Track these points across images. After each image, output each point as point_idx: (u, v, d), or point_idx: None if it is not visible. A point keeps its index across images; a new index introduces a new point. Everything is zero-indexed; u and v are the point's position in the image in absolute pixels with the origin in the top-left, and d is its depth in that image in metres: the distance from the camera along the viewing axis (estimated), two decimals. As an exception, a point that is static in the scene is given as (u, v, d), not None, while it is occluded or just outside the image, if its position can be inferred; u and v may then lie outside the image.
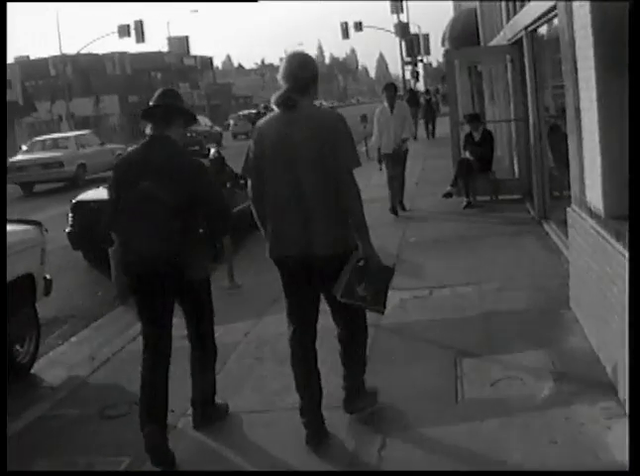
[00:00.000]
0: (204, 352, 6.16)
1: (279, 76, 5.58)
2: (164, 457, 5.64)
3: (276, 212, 5.57)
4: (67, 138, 32.71)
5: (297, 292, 5.72)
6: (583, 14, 6.50)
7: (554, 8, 8.75)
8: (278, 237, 5.58)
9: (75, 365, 8.57)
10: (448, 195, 15.35)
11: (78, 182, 28.67)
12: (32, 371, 8.47)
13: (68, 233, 13.55)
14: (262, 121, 5.75)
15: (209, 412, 6.25)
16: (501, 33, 16.27)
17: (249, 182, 5.73)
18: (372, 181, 17.38)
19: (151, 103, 5.86)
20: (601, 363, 6.36)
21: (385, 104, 15.13)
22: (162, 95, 5.90)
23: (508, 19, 14.91)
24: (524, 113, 14.30)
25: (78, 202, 13.71)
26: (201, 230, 5.93)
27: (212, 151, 15.44)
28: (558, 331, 7.39)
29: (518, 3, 13.13)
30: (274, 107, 5.58)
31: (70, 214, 13.56)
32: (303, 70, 5.55)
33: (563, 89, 8.23)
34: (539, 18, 10.57)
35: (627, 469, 4.01)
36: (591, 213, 6.84)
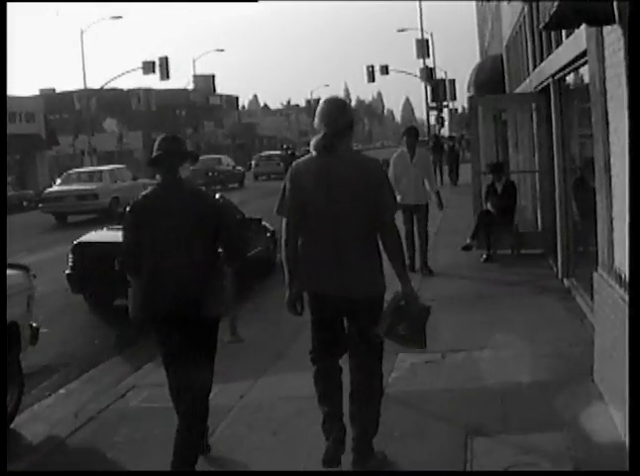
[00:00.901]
0: (194, 410, 5.97)
1: (317, 120, 5.73)
2: None
3: (313, 252, 5.70)
4: (102, 171, 33.94)
5: (323, 322, 5.82)
6: (616, 61, 5.94)
7: (584, 54, 8.16)
8: (312, 276, 5.71)
9: (58, 422, 8.03)
10: (467, 248, 14.71)
11: (112, 214, 28.58)
12: (12, 425, 7.86)
13: (68, 275, 12.95)
14: (299, 163, 5.89)
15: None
16: (527, 80, 15.75)
17: (283, 222, 5.84)
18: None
19: (154, 153, 6.07)
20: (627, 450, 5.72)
21: (405, 150, 13.91)
22: (164, 142, 6.11)
23: (535, 66, 14.36)
24: (549, 164, 13.75)
25: (80, 244, 13.13)
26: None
27: (217, 197, 14.48)
28: (580, 409, 6.69)
29: (545, 50, 12.56)
30: (312, 151, 5.71)
31: (71, 256, 12.94)
32: (342, 115, 5.70)
33: (589, 139, 7.66)
34: (567, 65, 10.01)
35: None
36: (620, 281, 6.24)
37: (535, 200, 16.36)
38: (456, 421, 6.83)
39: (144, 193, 6.21)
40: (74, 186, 32.10)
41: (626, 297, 5.83)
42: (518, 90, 17.63)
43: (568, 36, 9.52)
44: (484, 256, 14.40)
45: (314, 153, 5.72)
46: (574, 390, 7.20)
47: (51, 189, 34.05)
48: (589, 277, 7.92)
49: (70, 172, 36.07)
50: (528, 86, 15.49)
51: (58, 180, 35.80)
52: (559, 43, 11.13)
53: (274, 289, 11.71)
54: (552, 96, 11.99)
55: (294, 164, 5.93)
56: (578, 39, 8.45)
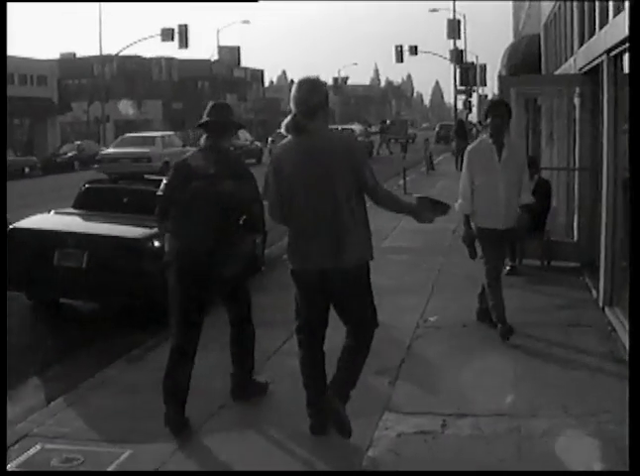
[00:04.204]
0: (243, 333, 6.96)
1: (291, 102, 5.87)
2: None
3: (303, 231, 5.87)
4: (155, 137, 36.31)
5: (311, 300, 6.01)
6: None
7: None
8: (303, 253, 5.89)
9: None
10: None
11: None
12: None
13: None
14: (278, 147, 6.11)
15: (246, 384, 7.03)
16: (570, 60, 13.36)
17: (267, 205, 6.08)
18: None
19: (205, 117, 6.62)
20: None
21: (489, 140, 8.74)
22: (216, 109, 6.68)
23: (582, 42, 11.94)
24: (592, 160, 11.35)
25: (14, 230, 10.60)
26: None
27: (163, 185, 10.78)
28: None
29: (599, 23, 10.13)
30: (284, 133, 5.91)
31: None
32: (312, 96, 5.81)
33: None
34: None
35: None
36: None
37: (570, 203, 13.81)
38: None
39: (188, 155, 6.80)
40: (129, 149, 33.92)
41: None
42: (558, 73, 15.26)
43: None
44: (508, 267, 11.91)
45: (286, 135, 5.91)
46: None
47: (107, 151, 36.71)
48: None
49: (125, 136, 38.36)
50: (570, 68, 13.16)
51: (113, 144, 38.14)
52: (619, 9, 8.75)
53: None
54: (605, 77, 9.56)
55: (274, 149, 6.35)
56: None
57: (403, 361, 7.91)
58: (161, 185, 6.72)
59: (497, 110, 8.71)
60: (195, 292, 6.46)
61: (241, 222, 6.65)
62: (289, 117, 5.85)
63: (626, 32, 7.86)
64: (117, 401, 7.17)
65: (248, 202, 6.61)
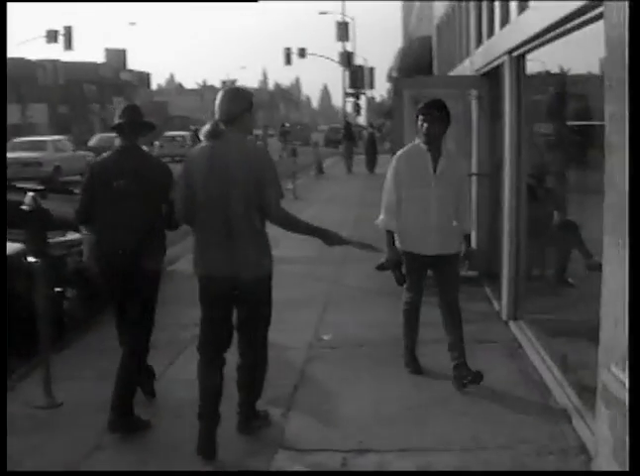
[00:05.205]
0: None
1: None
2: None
3: (205, 237, 5.90)
4: (45, 141, 35.39)
5: (213, 310, 5.97)
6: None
7: (586, 10, 5.25)
8: (205, 259, 5.91)
9: None
10: (383, 268, 11.76)
11: (54, 181, 30.35)
12: None
13: None
14: (192, 151, 6.18)
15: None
16: (465, 62, 12.98)
17: (177, 208, 6.11)
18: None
19: (118, 119, 6.69)
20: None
21: (423, 146, 7.27)
22: (128, 111, 6.78)
23: (479, 43, 11.49)
24: (491, 166, 10.90)
25: None
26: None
27: (28, 198, 7.46)
28: None
29: (500, 21, 9.65)
30: (202, 138, 5.99)
31: None
32: (233, 103, 5.91)
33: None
34: (546, 31, 7.11)
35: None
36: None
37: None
38: None
39: (104, 155, 6.83)
40: (19, 154, 32.57)
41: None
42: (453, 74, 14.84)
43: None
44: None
45: (204, 141, 5.95)
46: None
47: None
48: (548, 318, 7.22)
49: (15, 140, 36.56)
50: (465, 70, 12.75)
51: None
52: (523, 7, 8.28)
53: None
54: (507, 79, 9.07)
55: (188, 152, 6.45)
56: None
57: (297, 388, 7.19)
58: (80, 188, 6.88)
59: (429, 111, 7.18)
60: (122, 288, 6.54)
61: (159, 218, 6.62)
62: (209, 123, 5.98)
63: (533, 30, 7.39)
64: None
65: (166, 199, 6.52)
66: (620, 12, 4.45)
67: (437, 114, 7.14)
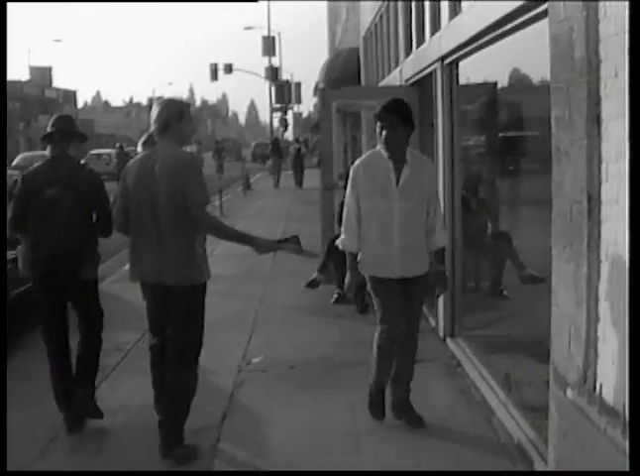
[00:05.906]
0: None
1: None
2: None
3: (137, 244, 5.96)
4: None
5: (154, 312, 6.08)
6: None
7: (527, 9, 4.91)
8: (139, 264, 5.96)
9: None
10: (313, 284, 11.37)
11: None
12: None
13: None
14: (132, 160, 6.24)
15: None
16: (395, 72, 12.62)
17: (113, 218, 6.26)
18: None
19: (50, 128, 6.73)
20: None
21: (384, 153, 6.22)
22: (59, 120, 6.82)
23: (409, 52, 11.17)
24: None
25: None
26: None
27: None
28: None
29: (430, 28, 9.32)
30: (139, 149, 7.03)
31: None
32: (164, 113, 5.94)
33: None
34: (477, 37, 6.80)
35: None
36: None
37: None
38: None
39: (35, 165, 6.85)
40: None
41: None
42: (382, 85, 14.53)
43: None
44: (336, 295, 10.98)
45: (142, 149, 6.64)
46: None
47: None
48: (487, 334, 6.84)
49: None
50: (394, 80, 12.42)
51: None
52: (456, 12, 7.96)
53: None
54: (438, 87, 8.74)
55: (128, 163, 6.29)
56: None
57: (225, 416, 6.72)
58: (13, 197, 6.86)
59: (387, 116, 6.11)
60: (56, 296, 6.61)
61: (91, 225, 6.72)
62: (146, 133, 6.40)
63: (467, 34, 7.07)
64: None
65: (97, 206, 6.68)
66: (568, 8, 4.11)
67: (396, 119, 6.08)
